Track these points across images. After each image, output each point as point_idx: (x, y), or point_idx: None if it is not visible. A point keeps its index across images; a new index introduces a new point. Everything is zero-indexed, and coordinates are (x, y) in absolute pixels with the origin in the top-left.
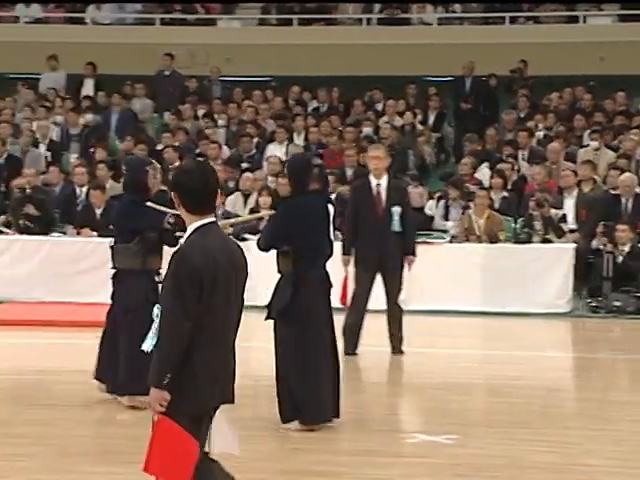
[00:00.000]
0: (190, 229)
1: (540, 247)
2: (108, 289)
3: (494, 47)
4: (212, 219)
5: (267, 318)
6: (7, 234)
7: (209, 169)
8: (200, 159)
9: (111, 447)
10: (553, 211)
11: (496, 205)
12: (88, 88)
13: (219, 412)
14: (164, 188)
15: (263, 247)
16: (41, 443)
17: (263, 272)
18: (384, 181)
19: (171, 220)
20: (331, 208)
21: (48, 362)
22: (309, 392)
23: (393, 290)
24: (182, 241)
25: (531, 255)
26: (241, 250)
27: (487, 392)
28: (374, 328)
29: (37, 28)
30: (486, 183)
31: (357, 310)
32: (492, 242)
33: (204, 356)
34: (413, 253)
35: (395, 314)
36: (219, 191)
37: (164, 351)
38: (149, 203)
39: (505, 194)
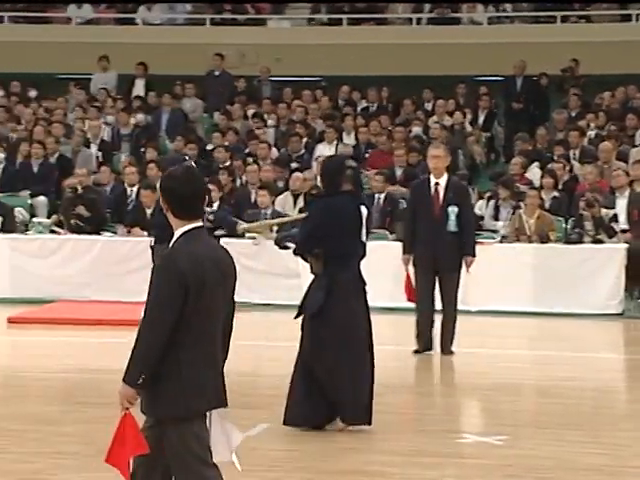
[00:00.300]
0: (177, 234)
1: (591, 247)
2: None
3: (545, 46)
4: (199, 224)
5: (297, 316)
6: (59, 234)
7: (196, 175)
8: (188, 164)
9: None
10: (604, 211)
11: (546, 205)
12: (139, 88)
13: (215, 419)
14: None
15: (300, 252)
16: (89, 442)
17: (308, 273)
18: (443, 180)
19: (210, 217)
20: (364, 210)
21: (98, 361)
22: (347, 391)
23: (448, 290)
24: (170, 245)
25: (582, 255)
26: (229, 255)
27: (537, 393)
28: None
29: (88, 29)
30: (536, 183)
31: (422, 310)
32: (543, 242)
33: (191, 358)
34: (472, 254)
35: (449, 315)
36: (206, 197)
37: (142, 353)
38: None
39: (556, 194)
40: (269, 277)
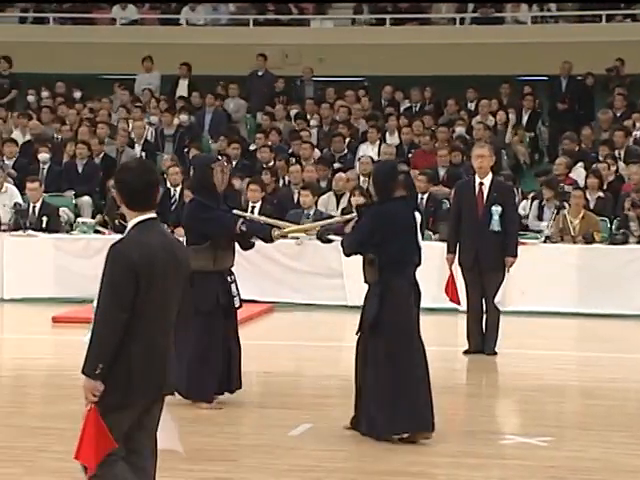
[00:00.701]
0: (130, 225)
1: (636, 248)
2: None
3: (590, 46)
4: (153, 215)
5: (358, 332)
6: (103, 234)
7: (150, 167)
8: (142, 157)
9: (204, 445)
10: None
11: (591, 205)
12: (182, 89)
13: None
14: (236, 188)
15: (347, 252)
16: None
17: (351, 273)
18: (487, 180)
19: (243, 228)
20: (418, 215)
21: None
22: (404, 404)
23: (491, 290)
24: (123, 236)
25: (627, 256)
26: (183, 246)
27: (582, 394)
28: (463, 328)
29: (132, 30)
30: (581, 183)
31: (470, 310)
32: (587, 243)
33: (140, 349)
34: (513, 254)
35: (491, 315)
36: (160, 188)
37: (97, 342)
38: (235, 211)
39: (601, 194)
40: (311, 277)
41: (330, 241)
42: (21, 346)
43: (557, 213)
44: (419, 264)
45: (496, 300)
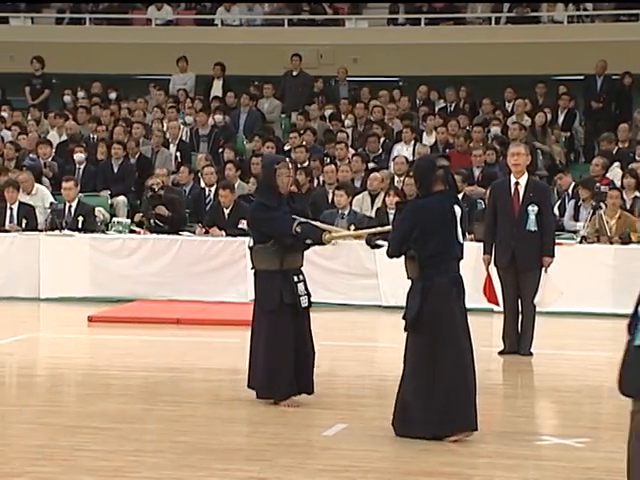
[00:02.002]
0: None
1: None
2: (236, 288)
3: (626, 45)
4: None
5: (405, 329)
6: (138, 233)
7: None
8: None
9: (240, 444)
10: None
11: (627, 205)
12: (217, 89)
13: None
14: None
15: (391, 254)
16: (170, 440)
17: (386, 273)
18: (523, 180)
19: (298, 229)
20: (458, 209)
21: (177, 360)
22: (447, 403)
23: (527, 290)
24: None
25: None
26: None
27: (618, 395)
28: (499, 328)
29: (168, 30)
30: (617, 183)
31: (507, 310)
32: (624, 243)
33: None
34: (551, 254)
35: (527, 315)
36: None
37: None
38: (295, 217)
39: (637, 194)
40: (346, 277)
41: (379, 246)
42: (57, 345)
43: (593, 213)
44: (461, 258)
45: (535, 300)
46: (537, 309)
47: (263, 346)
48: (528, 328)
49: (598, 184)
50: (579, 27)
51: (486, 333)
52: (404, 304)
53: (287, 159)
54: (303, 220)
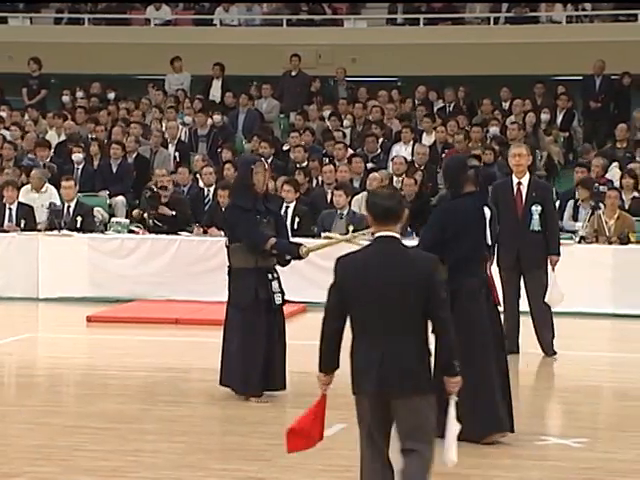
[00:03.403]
0: None
1: None
2: None
3: (625, 45)
4: None
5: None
6: (137, 233)
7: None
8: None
9: (238, 444)
10: None
11: (626, 206)
12: (216, 89)
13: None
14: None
15: None
16: (169, 440)
17: None
18: (525, 180)
19: (274, 250)
20: (487, 211)
21: (176, 360)
22: (483, 406)
23: (535, 289)
24: None
25: None
26: None
27: (617, 395)
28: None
29: (166, 30)
30: (616, 183)
31: (509, 311)
32: (623, 243)
33: None
34: (557, 253)
35: (541, 315)
36: None
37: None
38: (270, 234)
39: (636, 194)
40: None
41: None
42: (55, 345)
43: (592, 213)
44: (491, 260)
45: (546, 299)
46: (541, 307)
47: (237, 343)
48: (545, 328)
49: (597, 184)
50: (578, 27)
51: None
52: None
53: (262, 159)
54: (274, 241)
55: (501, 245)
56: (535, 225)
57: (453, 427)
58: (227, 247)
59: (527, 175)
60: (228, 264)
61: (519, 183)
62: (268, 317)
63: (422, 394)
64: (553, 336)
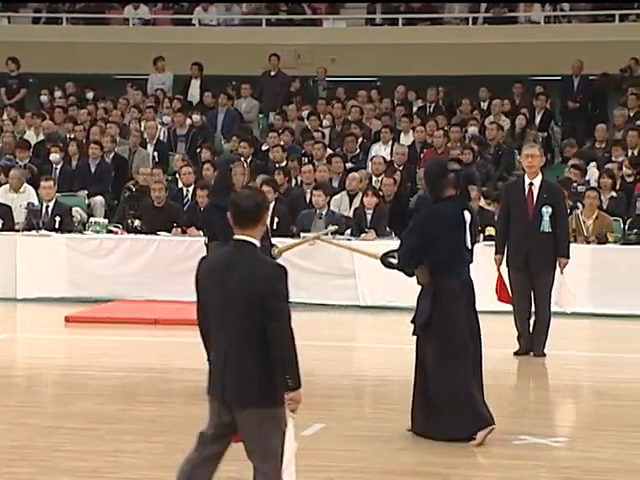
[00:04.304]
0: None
1: None
2: None
3: (603, 45)
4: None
5: (413, 334)
6: (116, 233)
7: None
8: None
9: None
10: None
11: (604, 206)
12: (195, 89)
13: None
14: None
15: (403, 266)
16: (148, 440)
17: (363, 273)
18: (537, 181)
19: None
20: (468, 215)
21: (154, 360)
22: (467, 405)
23: (542, 291)
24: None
25: None
26: None
27: (596, 395)
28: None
29: (145, 30)
30: (594, 184)
31: (520, 311)
32: (600, 243)
33: None
34: (566, 255)
35: (542, 315)
36: None
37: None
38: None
39: (614, 194)
40: (324, 277)
41: (393, 265)
42: (34, 346)
43: (570, 213)
44: (471, 262)
45: (554, 301)
46: (545, 309)
47: None
48: (542, 330)
49: (575, 184)
50: (556, 27)
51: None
52: (382, 304)
53: (241, 158)
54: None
55: (511, 245)
56: (545, 226)
57: (290, 447)
58: (206, 245)
59: (539, 176)
60: None
61: (531, 184)
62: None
63: (261, 407)
64: (546, 338)
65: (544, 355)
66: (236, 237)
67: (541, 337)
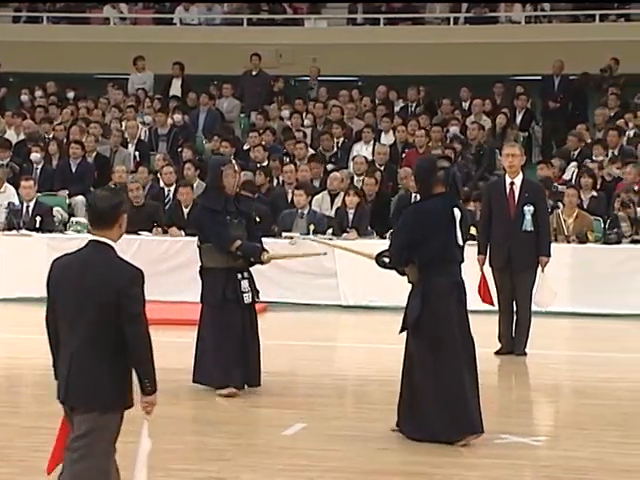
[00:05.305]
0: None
1: (630, 248)
2: (195, 287)
3: (583, 45)
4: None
5: (401, 331)
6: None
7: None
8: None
9: (199, 444)
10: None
11: (585, 205)
12: (176, 88)
13: None
14: (249, 195)
15: (394, 264)
16: (128, 440)
17: (345, 273)
18: (518, 180)
19: (239, 252)
20: (457, 212)
21: None
22: (455, 407)
23: (523, 290)
24: None
25: (621, 256)
26: None
27: (575, 394)
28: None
29: (126, 29)
30: (574, 183)
31: (503, 310)
32: (581, 242)
33: None
34: (547, 254)
35: (524, 315)
36: None
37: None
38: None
39: (594, 194)
40: (305, 276)
41: (387, 264)
42: (14, 345)
43: (551, 212)
44: (462, 261)
45: (534, 300)
46: (526, 308)
47: (210, 339)
48: (523, 329)
49: (555, 183)
50: (537, 27)
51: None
52: (363, 303)
53: (233, 161)
54: (239, 243)
55: (493, 245)
56: (527, 225)
57: (144, 447)
58: (199, 247)
59: (520, 175)
60: (200, 263)
61: (512, 183)
62: (239, 315)
63: (105, 411)
64: (527, 337)
65: (525, 354)
66: (92, 238)
67: (522, 337)
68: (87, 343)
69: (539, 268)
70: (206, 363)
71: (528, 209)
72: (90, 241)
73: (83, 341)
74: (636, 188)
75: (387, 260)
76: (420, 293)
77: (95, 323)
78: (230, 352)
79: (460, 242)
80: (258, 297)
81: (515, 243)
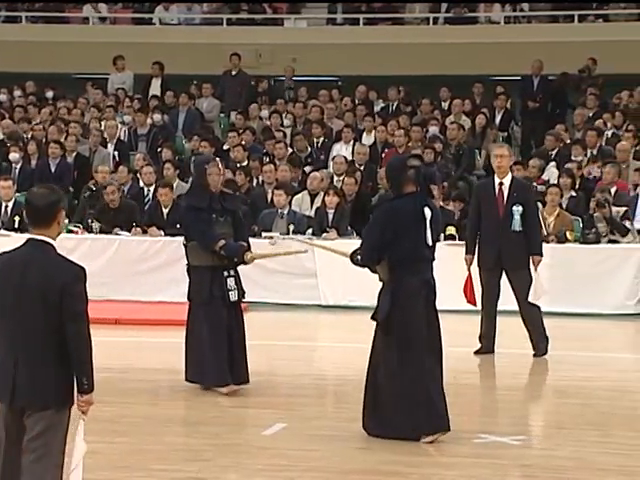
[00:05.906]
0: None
1: (608, 247)
2: (174, 288)
3: (562, 45)
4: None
5: (372, 318)
6: (76, 233)
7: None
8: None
9: (178, 445)
10: (615, 209)
11: (564, 205)
12: (155, 88)
13: None
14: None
15: (365, 262)
16: (108, 440)
17: (325, 272)
18: (507, 180)
19: (222, 251)
20: (428, 211)
21: (114, 360)
22: (422, 405)
23: (521, 288)
24: None
25: (599, 255)
26: None
27: (554, 393)
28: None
29: (105, 29)
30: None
31: (486, 311)
32: (560, 242)
33: None
34: (539, 253)
35: (529, 314)
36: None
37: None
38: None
39: (573, 194)
40: (285, 276)
41: (360, 262)
42: None
43: None
44: (432, 259)
45: (529, 298)
46: (529, 306)
47: (201, 337)
48: (536, 327)
49: (535, 183)
50: (516, 27)
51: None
52: (343, 303)
53: (217, 159)
54: (223, 243)
55: (482, 245)
56: (516, 225)
57: (80, 448)
58: (185, 245)
59: (509, 175)
60: (187, 262)
61: (501, 183)
62: (226, 312)
63: (57, 409)
64: (544, 335)
65: (545, 353)
66: (31, 236)
67: (538, 336)
68: (33, 342)
69: (532, 267)
70: (200, 361)
71: (517, 209)
72: (29, 239)
73: (28, 341)
74: (612, 189)
75: (360, 258)
76: (390, 291)
77: (40, 321)
78: (215, 350)
79: (429, 242)
80: (244, 297)
81: (505, 243)
